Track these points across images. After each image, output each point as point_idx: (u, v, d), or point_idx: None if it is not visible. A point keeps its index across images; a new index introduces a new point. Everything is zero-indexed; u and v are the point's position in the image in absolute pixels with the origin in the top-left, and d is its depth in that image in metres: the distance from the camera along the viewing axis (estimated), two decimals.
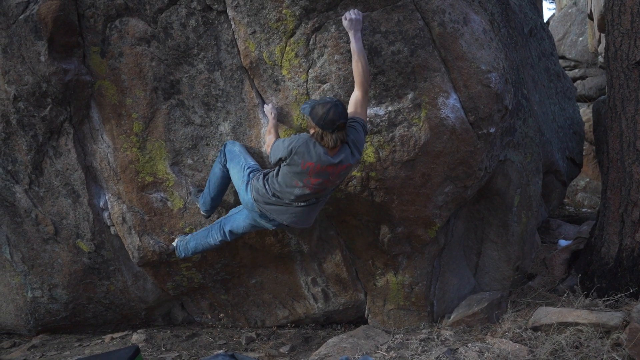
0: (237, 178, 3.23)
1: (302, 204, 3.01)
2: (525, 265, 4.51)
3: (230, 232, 3.38)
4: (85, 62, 3.44)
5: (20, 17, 3.29)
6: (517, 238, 4.18)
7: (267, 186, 3.01)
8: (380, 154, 3.27)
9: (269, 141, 3.09)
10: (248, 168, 3.20)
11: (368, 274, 3.96)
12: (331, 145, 2.78)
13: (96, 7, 3.27)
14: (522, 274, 4.49)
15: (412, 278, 3.87)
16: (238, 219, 3.33)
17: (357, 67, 2.84)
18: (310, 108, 2.79)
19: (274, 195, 2.99)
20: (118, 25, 3.32)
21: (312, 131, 2.80)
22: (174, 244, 3.68)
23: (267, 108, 3.28)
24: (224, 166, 3.32)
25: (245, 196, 3.15)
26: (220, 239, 3.44)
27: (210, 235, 3.48)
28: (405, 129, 3.17)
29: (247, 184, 3.14)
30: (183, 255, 3.64)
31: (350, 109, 2.88)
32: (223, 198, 3.50)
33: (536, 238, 4.89)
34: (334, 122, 2.71)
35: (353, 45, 2.87)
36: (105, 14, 3.29)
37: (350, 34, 2.88)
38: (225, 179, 3.37)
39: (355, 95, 2.87)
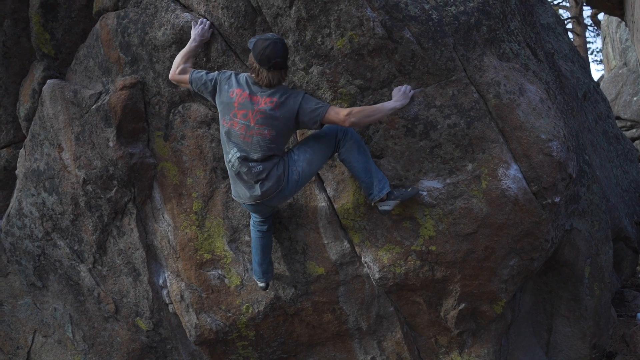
0: None
1: (247, 167, 2.87)
2: (602, 342, 4.17)
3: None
4: (150, 145, 3.62)
5: (93, 107, 3.53)
6: (591, 312, 3.91)
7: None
8: (440, 227, 3.19)
9: (181, 62, 3.03)
10: None
11: (431, 353, 3.75)
12: (265, 83, 2.74)
13: (161, 94, 3.48)
14: (601, 352, 4.15)
15: (478, 357, 3.64)
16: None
17: (367, 107, 2.82)
18: (254, 41, 2.74)
19: (227, 153, 2.93)
20: (181, 110, 3.50)
21: (250, 64, 2.78)
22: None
23: (195, 31, 3.12)
24: (254, 222, 3.28)
25: None
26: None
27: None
28: (465, 201, 3.10)
29: None
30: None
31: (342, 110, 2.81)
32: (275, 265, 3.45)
33: (612, 312, 4.55)
34: (270, 59, 2.65)
35: (384, 104, 2.85)
36: (169, 101, 3.48)
37: (393, 99, 2.89)
38: (261, 238, 3.31)
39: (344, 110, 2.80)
